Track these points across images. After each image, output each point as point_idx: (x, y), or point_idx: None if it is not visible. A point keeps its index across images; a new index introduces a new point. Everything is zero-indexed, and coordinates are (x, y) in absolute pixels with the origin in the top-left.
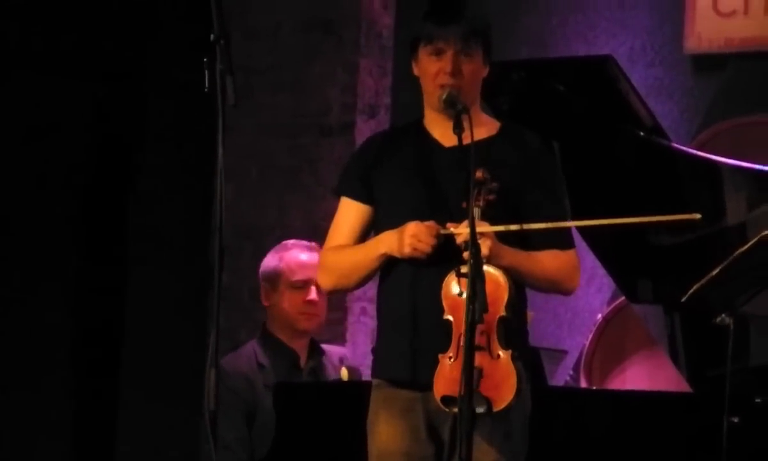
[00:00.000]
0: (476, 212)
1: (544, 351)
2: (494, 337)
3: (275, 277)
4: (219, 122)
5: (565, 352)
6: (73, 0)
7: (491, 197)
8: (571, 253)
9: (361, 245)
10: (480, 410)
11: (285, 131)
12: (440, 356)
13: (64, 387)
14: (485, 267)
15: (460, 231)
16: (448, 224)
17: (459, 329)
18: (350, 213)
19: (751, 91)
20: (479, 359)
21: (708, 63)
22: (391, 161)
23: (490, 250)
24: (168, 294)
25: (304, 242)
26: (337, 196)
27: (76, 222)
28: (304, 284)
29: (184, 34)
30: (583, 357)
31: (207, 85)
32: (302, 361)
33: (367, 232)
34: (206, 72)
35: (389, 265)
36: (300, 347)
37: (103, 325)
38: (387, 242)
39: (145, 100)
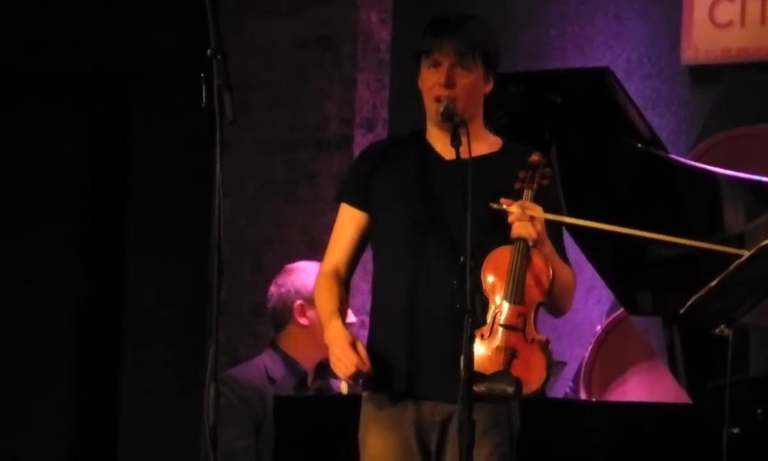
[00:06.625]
0: (529, 194)
1: None
2: (530, 320)
3: None
4: (217, 138)
5: (564, 364)
6: (69, 24)
7: (545, 181)
8: (572, 272)
9: (326, 304)
10: (509, 390)
11: (283, 146)
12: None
13: (63, 404)
14: (533, 252)
15: (513, 210)
16: (502, 200)
17: (497, 308)
18: (349, 222)
19: (749, 102)
20: (514, 339)
21: (705, 74)
22: (391, 170)
23: (539, 234)
24: (167, 310)
25: None
26: (337, 202)
27: (74, 239)
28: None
29: (181, 50)
30: (583, 369)
31: (204, 101)
32: (309, 380)
33: (366, 239)
34: (204, 88)
35: (381, 279)
36: (310, 366)
37: (101, 342)
38: (326, 340)
39: (142, 117)
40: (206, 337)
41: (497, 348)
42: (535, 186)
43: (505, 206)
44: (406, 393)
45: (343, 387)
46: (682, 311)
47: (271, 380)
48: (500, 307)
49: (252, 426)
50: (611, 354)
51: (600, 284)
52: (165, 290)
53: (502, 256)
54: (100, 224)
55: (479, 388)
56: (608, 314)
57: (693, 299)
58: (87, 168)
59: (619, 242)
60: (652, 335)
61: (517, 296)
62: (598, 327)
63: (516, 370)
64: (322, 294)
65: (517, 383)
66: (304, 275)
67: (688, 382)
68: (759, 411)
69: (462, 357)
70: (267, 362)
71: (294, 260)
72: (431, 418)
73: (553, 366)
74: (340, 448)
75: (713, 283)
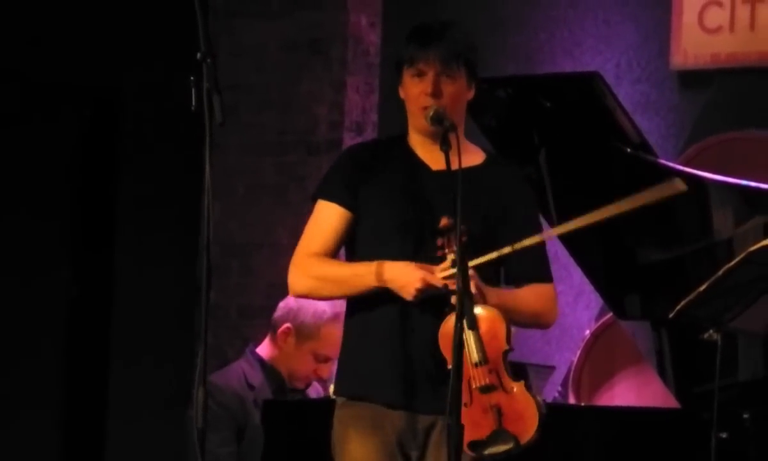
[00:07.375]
0: (452, 257)
1: (533, 366)
2: (503, 373)
3: (307, 336)
4: (206, 140)
5: (553, 368)
6: (60, 27)
7: (464, 238)
8: (550, 287)
9: (351, 265)
10: (509, 446)
11: (272, 149)
12: None
13: (51, 405)
14: (476, 309)
15: (446, 273)
16: (434, 270)
17: (467, 374)
18: (334, 217)
19: (737, 107)
20: (495, 398)
21: (694, 79)
22: (379, 176)
23: (478, 288)
24: (155, 312)
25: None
26: (315, 200)
27: (63, 240)
28: (326, 361)
29: (170, 52)
30: (572, 373)
31: (194, 103)
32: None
33: (344, 240)
34: (193, 91)
35: None
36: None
37: (90, 343)
38: (378, 278)
39: (132, 120)
40: (195, 339)
41: (483, 411)
42: (456, 247)
43: (438, 278)
44: (387, 404)
45: (332, 391)
46: (670, 315)
47: (251, 386)
48: (470, 373)
49: (233, 432)
50: (600, 359)
51: (589, 288)
52: (154, 292)
53: (451, 326)
54: (90, 225)
55: (480, 454)
56: (597, 319)
57: (682, 303)
58: (76, 170)
59: (608, 246)
60: (640, 339)
61: (480, 357)
62: (587, 332)
63: (508, 425)
64: (323, 264)
65: (515, 438)
66: (311, 311)
67: (677, 386)
68: (746, 415)
69: (452, 358)
70: (245, 367)
71: (283, 263)
72: (414, 426)
73: (541, 404)
74: (329, 453)
75: (702, 288)
